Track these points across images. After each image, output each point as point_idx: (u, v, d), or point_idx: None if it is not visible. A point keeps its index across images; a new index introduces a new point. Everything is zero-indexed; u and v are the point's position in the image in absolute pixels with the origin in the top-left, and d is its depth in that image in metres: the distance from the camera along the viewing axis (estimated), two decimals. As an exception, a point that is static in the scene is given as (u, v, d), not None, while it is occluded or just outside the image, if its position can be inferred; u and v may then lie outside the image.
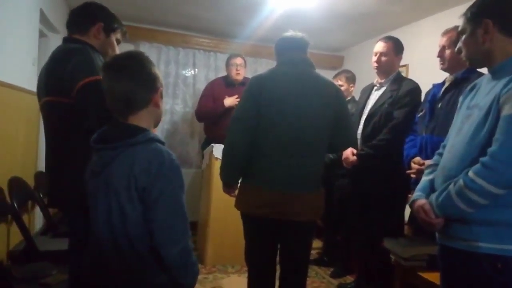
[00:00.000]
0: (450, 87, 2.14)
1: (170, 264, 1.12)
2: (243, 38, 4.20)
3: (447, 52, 2.16)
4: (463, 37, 1.38)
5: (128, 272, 1.13)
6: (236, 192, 1.99)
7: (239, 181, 1.98)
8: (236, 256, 3.10)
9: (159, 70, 3.95)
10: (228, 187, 2.01)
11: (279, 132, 1.82)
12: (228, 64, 3.69)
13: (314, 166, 1.89)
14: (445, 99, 2.13)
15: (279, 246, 1.97)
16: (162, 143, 1.18)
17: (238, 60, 3.62)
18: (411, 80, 2.63)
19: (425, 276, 1.87)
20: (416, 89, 2.53)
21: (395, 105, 2.50)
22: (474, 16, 1.33)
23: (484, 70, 1.68)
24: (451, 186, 1.27)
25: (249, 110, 1.85)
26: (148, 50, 4.15)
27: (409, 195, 2.60)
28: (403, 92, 2.51)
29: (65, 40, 1.67)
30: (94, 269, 1.21)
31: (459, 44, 1.42)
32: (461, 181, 1.23)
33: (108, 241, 1.14)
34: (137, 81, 1.15)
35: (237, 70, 3.61)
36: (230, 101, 3.53)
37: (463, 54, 1.41)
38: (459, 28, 1.40)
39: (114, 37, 1.73)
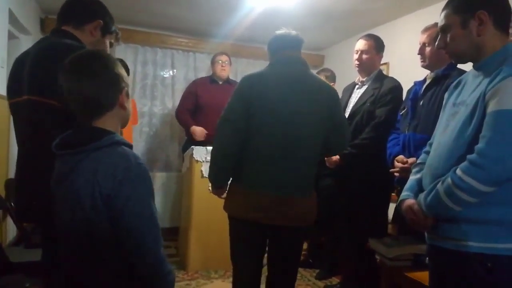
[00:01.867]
0: (431, 84, 2.14)
1: (142, 275, 1.06)
2: (223, 37, 4.14)
3: (428, 49, 2.16)
4: (452, 31, 1.32)
5: (98, 285, 1.06)
6: (225, 194, 1.92)
7: (229, 183, 1.91)
8: (220, 261, 3.05)
9: (136, 72, 3.88)
10: (217, 188, 1.94)
11: (271, 134, 1.76)
12: (213, 61, 3.71)
13: (308, 170, 1.83)
14: (427, 97, 2.12)
15: (267, 249, 1.91)
16: (129, 146, 1.11)
17: (223, 57, 3.66)
18: (392, 78, 2.63)
19: (411, 276, 1.84)
20: (397, 87, 2.53)
21: (377, 103, 2.49)
22: (466, 8, 1.29)
23: (464, 66, 1.69)
24: (439, 185, 1.24)
25: (238, 111, 1.78)
26: (124, 50, 4.04)
27: (393, 194, 2.61)
28: (384, 90, 2.50)
29: (56, 32, 1.53)
30: (66, 282, 1.13)
31: (440, 40, 1.38)
32: (449, 180, 1.20)
33: (75, 252, 1.07)
34: (99, 82, 1.08)
35: (222, 66, 3.64)
36: (199, 133, 3.50)
37: (450, 48, 1.36)
38: (442, 23, 1.35)
39: (109, 39, 1.64)
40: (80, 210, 1.03)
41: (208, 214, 3.04)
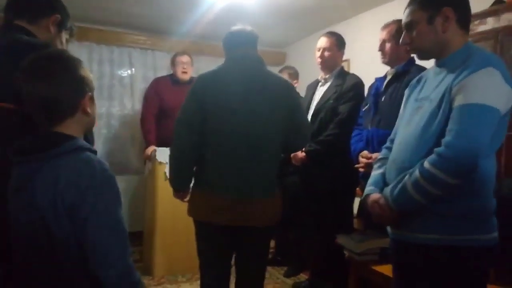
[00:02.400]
0: (392, 80, 2.18)
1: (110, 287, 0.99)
2: (183, 35, 4.03)
3: (387, 45, 2.20)
4: (418, 27, 1.34)
5: None
6: (188, 197, 1.87)
7: (191, 186, 1.86)
8: (186, 264, 2.99)
9: (91, 71, 3.66)
10: (178, 192, 1.90)
11: (228, 134, 1.72)
12: (173, 63, 3.54)
13: (269, 169, 1.80)
14: (388, 92, 2.17)
15: (234, 251, 1.88)
16: (94, 152, 1.05)
17: (185, 58, 3.48)
18: (354, 75, 2.67)
19: (378, 269, 1.89)
20: (359, 83, 2.58)
21: (340, 100, 2.53)
22: (432, 4, 1.31)
23: (423, 62, 1.73)
24: (406, 178, 1.25)
25: (193, 112, 1.73)
26: (78, 49, 3.83)
27: (357, 189, 2.66)
28: (347, 87, 2.53)
29: (9, 27, 1.39)
30: None
31: (405, 36, 1.40)
32: (417, 172, 1.21)
33: (35, 267, 1.00)
34: (59, 85, 1.01)
35: (183, 68, 3.47)
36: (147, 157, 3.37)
37: (416, 44, 1.37)
38: (407, 19, 1.37)
39: (65, 36, 1.54)
40: (40, 222, 0.96)
41: (173, 217, 2.96)
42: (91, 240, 0.96)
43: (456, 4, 1.30)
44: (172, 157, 1.82)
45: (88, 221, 0.95)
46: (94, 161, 1.00)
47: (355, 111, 2.45)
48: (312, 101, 2.70)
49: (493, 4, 2.23)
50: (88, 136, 1.40)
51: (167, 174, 2.99)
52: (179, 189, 1.88)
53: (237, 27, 1.86)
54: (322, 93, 2.66)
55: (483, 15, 2.18)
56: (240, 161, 1.72)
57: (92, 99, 1.09)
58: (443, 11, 1.29)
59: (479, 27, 2.20)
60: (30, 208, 0.97)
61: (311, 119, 2.62)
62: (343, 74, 2.65)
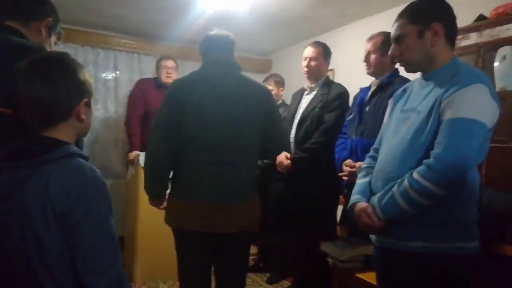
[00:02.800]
0: (376, 90, 2.22)
1: None
2: (171, 40, 4.01)
3: (373, 57, 2.24)
4: (407, 40, 1.37)
5: None
6: (165, 204, 1.84)
7: (167, 193, 1.83)
8: (168, 271, 2.93)
9: None
10: (154, 199, 1.86)
11: (205, 140, 1.70)
12: (158, 67, 3.50)
13: (246, 175, 1.78)
14: (372, 103, 2.20)
15: (214, 258, 1.85)
16: (85, 158, 1.03)
17: (169, 63, 3.44)
18: (339, 84, 2.71)
19: (362, 277, 1.90)
20: (344, 92, 2.62)
21: (326, 108, 2.56)
22: (422, 18, 1.34)
23: (407, 74, 1.77)
24: (395, 188, 1.27)
25: (169, 117, 1.71)
26: (63, 50, 3.73)
27: (340, 197, 2.69)
28: (332, 96, 2.57)
29: (2, 28, 1.36)
30: None
31: (394, 49, 1.42)
32: (406, 182, 1.24)
33: (24, 275, 0.97)
34: (56, 88, 0.99)
35: (167, 73, 3.42)
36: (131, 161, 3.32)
37: (405, 57, 1.40)
38: (397, 32, 1.40)
39: (53, 39, 1.52)
40: (29, 230, 0.93)
41: (155, 222, 2.88)
42: (82, 247, 0.94)
43: (445, 20, 1.34)
44: (147, 164, 1.78)
45: (79, 228, 0.93)
46: (86, 168, 0.98)
47: (340, 120, 2.49)
48: (298, 109, 2.73)
49: (476, 20, 2.31)
50: (79, 143, 1.38)
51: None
52: (155, 196, 1.84)
53: (213, 31, 1.85)
54: (308, 101, 2.69)
55: (466, 30, 2.25)
56: (216, 167, 1.70)
57: (88, 105, 1.07)
58: (433, 26, 1.32)
59: (462, 42, 2.27)
60: (19, 215, 0.95)
61: (297, 127, 2.64)
62: (328, 84, 2.69)
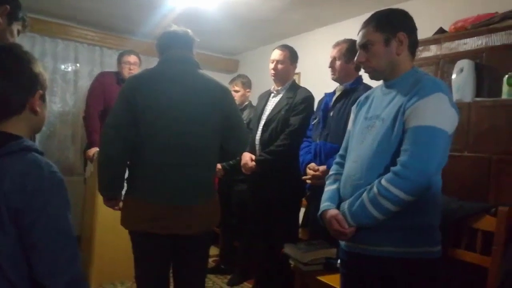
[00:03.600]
0: (340, 96, 2.27)
1: None
2: (138, 35, 3.91)
3: (337, 63, 2.28)
4: (374, 47, 1.40)
5: None
6: (121, 205, 1.79)
7: (123, 193, 1.78)
8: (126, 272, 2.82)
9: None
10: (109, 200, 1.79)
11: (159, 139, 1.65)
12: (120, 61, 3.37)
13: (203, 175, 1.73)
14: (336, 108, 2.24)
15: (172, 261, 1.81)
16: (40, 153, 0.99)
17: (132, 58, 3.32)
18: (305, 88, 2.75)
19: (323, 279, 1.93)
20: (310, 97, 2.66)
21: (291, 111, 2.58)
22: (388, 28, 1.38)
23: (370, 82, 1.82)
24: (364, 195, 1.30)
25: (123, 116, 1.65)
26: (19, 40, 3.48)
27: (303, 199, 2.72)
28: (298, 100, 2.60)
29: None
30: None
31: (360, 55, 1.45)
32: (375, 189, 1.27)
33: None
34: (6, 80, 0.96)
35: (130, 69, 3.29)
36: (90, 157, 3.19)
37: (371, 64, 1.42)
38: (363, 40, 1.42)
39: (16, 27, 1.46)
40: None
41: (114, 222, 2.75)
42: (38, 246, 0.91)
43: (409, 30, 1.40)
44: (100, 163, 1.72)
45: (35, 226, 0.90)
46: (42, 162, 0.95)
47: (305, 123, 2.52)
48: (264, 111, 2.74)
49: (436, 32, 2.41)
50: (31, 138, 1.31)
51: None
52: (109, 196, 1.78)
53: (172, 28, 1.81)
54: (274, 104, 2.70)
55: (427, 42, 2.35)
56: (173, 166, 1.66)
57: (43, 98, 1.04)
58: (398, 35, 1.37)
59: (422, 53, 2.36)
60: None
61: (263, 128, 2.65)
62: (294, 87, 2.72)
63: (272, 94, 2.78)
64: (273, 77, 2.72)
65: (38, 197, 0.91)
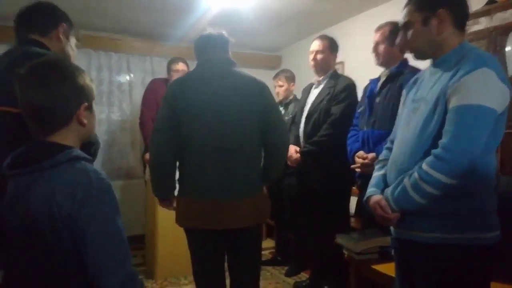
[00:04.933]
0: (386, 81, 2.21)
1: None
2: (178, 39, 4.05)
3: (381, 47, 2.22)
4: (413, 28, 1.35)
5: None
6: (175, 204, 1.88)
7: (175, 194, 1.87)
8: (189, 267, 2.96)
9: (91, 77, 3.60)
10: (163, 201, 1.90)
11: (202, 138, 1.72)
12: (169, 69, 3.53)
13: (248, 169, 1.77)
14: (382, 94, 2.19)
15: (226, 255, 1.88)
16: (89, 160, 1.03)
17: (180, 66, 3.46)
18: (346, 77, 2.72)
19: (378, 268, 1.91)
20: (351, 84, 2.61)
21: (333, 101, 2.56)
22: (427, 5, 1.32)
23: (417, 63, 1.76)
24: (406, 180, 1.27)
25: (168, 119, 1.73)
26: (76, 56, 3.83)
27: (353, 188, 2.69)
28: (339, 88, 2.57)
29: (24, 41, 1.45)
30: None
31: (400, 36, 1.41)
32: (415, 174, 1.24)
33: (33, 280, 0.99)
34: (53, 93, 0.99)
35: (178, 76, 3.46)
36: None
37: (411, 45, 1.38)
38: (404, 20, 1.38)
39: (73, 41, 1.59)
40: (38, 236, 0.95)
41: (173, 220, 2.95)
42: (90, 250, 0.95)
43: (451, 5, 1.31)
44: (152, 167, 1.80)
45: (87, 231, 0.94)
46: (90, 170, 0.98)
47: (347, 112, 2.49)
48: (306, 104, 2.74)
49: (486, 4, 2.27)
50: (92, 142, 1.42)
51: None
52: (162, 197, 1.88)
53: (206, 32, 1.87)
54: (316, 95, 2.69)
55: (476, 15, 2.21)
56: (218, 163, 1.71)
57: (89, 109, 1.07)
58: (438, 13, 1.30)
59: (472, 27, 2.23)
60: (26, 221, 0.96)
61: (305, 121, 2.66)
62: (336, 76, 2.68)
63: (314, 86, 2.77)
64: (313, 68, 2.71)
65: (88, 204, 0.94)
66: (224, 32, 1.86)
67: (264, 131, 1.80)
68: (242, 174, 1.76)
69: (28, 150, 1.02)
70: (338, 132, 2.46)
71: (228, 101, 1.73)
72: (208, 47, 1.83)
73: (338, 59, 2.82)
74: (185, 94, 1.74)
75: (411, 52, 1.42)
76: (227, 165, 1.72)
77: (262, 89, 1.82)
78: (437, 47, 1.33)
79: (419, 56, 1.41)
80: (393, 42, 2.13)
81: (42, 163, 0.97)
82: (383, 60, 2.24)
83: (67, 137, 1.04)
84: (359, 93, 2.54)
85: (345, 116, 2.48)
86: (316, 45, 2.68)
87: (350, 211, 2.79)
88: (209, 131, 1.71)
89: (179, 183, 1.82)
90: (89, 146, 1.42)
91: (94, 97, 1.10)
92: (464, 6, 1.34)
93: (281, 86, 3.36)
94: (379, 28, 2.26)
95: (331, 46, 2.69)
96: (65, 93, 1.01)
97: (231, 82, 1.77)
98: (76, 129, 1.05)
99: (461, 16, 1.33)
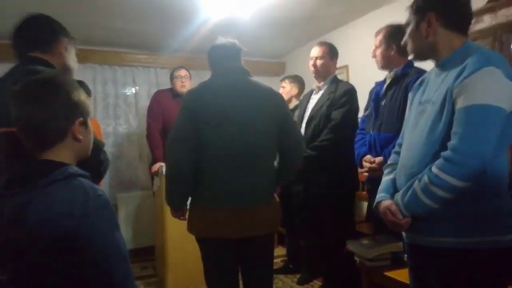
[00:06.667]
0: (391, 83, 2.19)
1: None
2: (178, 49, 4.07)
3: (378, 51, 2.23)
4: (409, 30, 1.38)
5: None
6: (187, 215, 1.87)
7: (188, 203, 1.86)
8: (200, 278, 2.94)
9: (96, 92, 3.64)
10: (176, 211, 1.88)
11: (222, 147, 1.72)
12: (172, 77, 3.59)
13: (265, 178, 1.79)
14: (388, 96, 2.18)
15: (240, 265, 1.87)
16: (86, 176, 1.01)
17: (182, 72, 3.53)
18: (346, 82, 2.77)
19: (391, 275, 1.87)
20: (351, 89, 2.62)
21: (333, 106, 2.56)
22: (419, 9, 1.33)
23: (422, 65, 1.74)
24: (415, 184, 1.25)
25: (188, 128, 1.73)
26: (82, 71, 3.90)
27: (363, 193, 2.66)
28: (339, 93, 2.59)
29: (27, 60, 1.45)
30: None
31: (406, 37, 1.42)
32: (425, 178, 1.21)
33: None
34: (46, 110, 0.98)
35: (182, 82, 3.51)
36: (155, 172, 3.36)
37: (408, 46, 1.41)
38: (405, 22, 1.41)
39: (73, 53, 1.58)
40: (37, 256, 0.93)
41: (183, 231, 2.90)
42: (91, 268, 0.93)
43: (440, 9, 1.31)
44: (169, 176, 1.79)
45: (86, 249, 0.92)
46: (87, 187, 0.96)
47: (348, 117, 2.50)
48: (307, 109, 2.76)
49: (489, 1, 2.23)
50: (101, 157, 1.40)
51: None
52: (177, 207, 1.87)
53: (219, 41, 1.88)
54: (316, 100, 2.71)
55: (480, 12, 2.18)
56: (235, 173, 1.72)
57: (84, 124, 1.06)
58: (427, 17, 1.31)
59: (476, 26, 2.20)
60: (25, 241, 0.94)
61: (306, 126, 2.66)
62: (335, 82, 2.69)
63: (314, 91, 2.80)
64: (313, 74, 2.75)
65: (86, 221, 0.92)
66: (236, 41, 1.88)
67: (281, 139, 1.83)
68: (260, 182, 1.77)
69: (23, 168, 1.01)
70: (338, 137, 2.47)
71: (248, 111, 1.75)
72: (223, 57, 1.85)
73: (342, 63, 2.83)
74: (205, 103, 1.74)
75: (409, 53, 1.44)
76: (247, 174, 1.73)
77: (279, 99, 1.88)
78: (429, 49, 1.34)
79: (417, 57, 1.43)
80: (390, 45, 2.13)
81: (38, 181, 0.95)
82: (381, 63, 2.24)
83: (63, 153, 1.02)
84: (364, 97, 2.52)
85: (346, 121, 2.49)
86: (315, 51, 2.71)
87: (360, 216, 2.76)
88: (229, 141, 1.72)
89: (195, 192, 1.80)
90: (99, 165, 1.41)
91: (90, 113, 1.09)
92: (458, 8, 1.33)
93: (283, 87, 3.42)
94: (377, 33, 2.27)
95: (331, 52, 2.71)
96: (58, 109, 1.00)
97: (250, 91, 1.80)
98: (71, 145, 1.04)
99: (456, 18, 1.32)
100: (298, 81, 3.52)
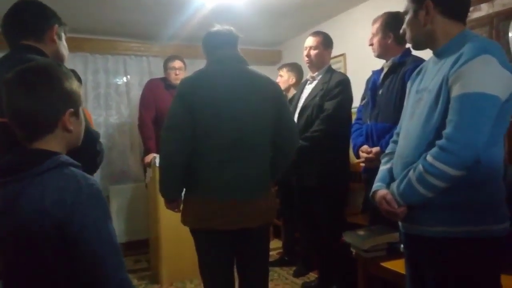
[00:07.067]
0: (389, 72, 2.17)
1: None
2: (172, 38, 3.98)
3: (374, 39, 2.21)
4: (407, 17, 1.37)
5: None
6: (181, 207, 1.84)
7: (182, 195, 1.83)
8: (195, 270, 2.88)
9: (87, 81, 3.55)
10: (171, 202, 1.85)
11: (218, 137, 1.68)
12: (166, 68, 3.49)
13: (261, 169, 1.77)
14: (385, 85, 2.15)
15: (235, 255, 1.85)
16: (77, 166, 1.01)
17: (177, 64, 3.42)
18: (340, 73, 2.73)
19: (387, 265, 1.86)
20: (345, 80, 2.59)
21: (326, 97, 2.54)
22: None
23: (420, 53, 1.71)
24: (410, 173, 1.25)
25: (183, 117, 1.68)
26: (73, 60, 3.81)
27: (360, 184, 2.65)
28: (333, 84, 2.56)
29: (20, 48, 1.40)
30: None
31: (404, 25, 1.41)
32: (420, 167, 1.21)
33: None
34: (38, 99, 0.97)
35: (176, 74, 3.41)
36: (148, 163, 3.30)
37: (407, 34, 1.40)
38: (403, 9, 1.39)
39: (64, 39, 1.53)
40: (29, 244, 0.93)
41: (177, 223, 2.88)
42: (81, 257, 0.93)
43: None
44: (163, 166, 1.75)
45: (79, 239, 0.92)
46: (78, 176, 0.96)
47: (340, 107, 2.48)
48: (300, 99, 2.73)
49: (486, -11, 2.21)
50: (97, 147, 1.37)
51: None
52: (171, 198, 1.83)
53: (215, 28, 1.83)
54: (309, 91, 2.68)
55: (477, 1, 2.16)
56: (230, 163, 1.69)
57: (76, 115, 1.05)
58: (425, 5, 1.30)
59: (473, 14, 2.18)
60: (18, 232, 0.94)
61: (298, 116, 2.63)
62: (330, 72, 2.66)
63: (308, 81, 2.77)
64: (307, 64, 2.71)
65: (78, 210, 0.92)
66: (232, 28, 1.82)
67: (276, 130, 1.79)
68: (256, 174, 1.74)
69: (15, 157, 1.00)
70: (331, 128, 2.44)
71: (244, 99, 1.71)
72: (219, 44, 1.79)
73: (340, 51, 2.80)
74: (201, 92, 1.70)
75: (408, 42, 1.43)
76: (243, 165, 1.70)
77: (276, 89, 1.84)
78: (427, 37, 1.33)
79: (415, 46, 1.43)
80: (387, 34, 2.11)
81: (29, 170, 0.95)
82: (378, 52, 2.21)
83: (53, 143, 1.01)
84: (362, 86, 2.48)
85: (338, 112, 2.47)
86: (310, 41, 2.68)
87: (356, 208, 2.76)
88: (226, 131, 1.68)
89: (189, 183, 1.77)
90: (96, 156, 1.39)
91: (82, 103, 1.08)
92: None
93: (281, 76, 3.37)
94: (374, 21, 2.24)
95: (325, 42, 2.68)
96: (50, 98, 0.99)
97: (247, 80, 1.75)
98: (62, 136, 1.03)
99: (453, 6, 1.31)
100: (297, 69, 3.44)
